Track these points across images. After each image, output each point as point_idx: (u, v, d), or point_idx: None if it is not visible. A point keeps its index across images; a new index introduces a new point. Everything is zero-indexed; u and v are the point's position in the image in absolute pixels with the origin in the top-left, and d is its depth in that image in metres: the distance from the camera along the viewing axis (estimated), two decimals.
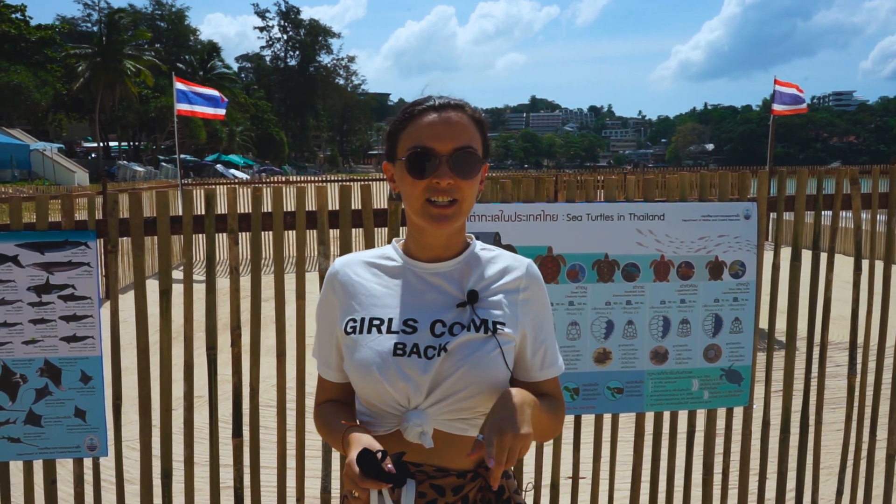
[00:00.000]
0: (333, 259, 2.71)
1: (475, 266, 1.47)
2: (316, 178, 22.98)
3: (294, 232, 2.65)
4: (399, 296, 1.44)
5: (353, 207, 2.65)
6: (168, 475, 2.68)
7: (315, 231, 2.64)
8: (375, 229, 2.67)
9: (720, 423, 2.95)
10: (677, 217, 2.77)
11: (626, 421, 2.98)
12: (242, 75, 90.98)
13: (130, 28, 51.48)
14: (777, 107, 14.78)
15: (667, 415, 2.92)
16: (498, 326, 1.41)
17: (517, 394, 1.33)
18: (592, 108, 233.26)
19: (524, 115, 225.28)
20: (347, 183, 2.86)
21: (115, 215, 2.54)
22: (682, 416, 2.94)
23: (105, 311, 2.56)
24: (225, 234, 2.61)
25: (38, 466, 2.68)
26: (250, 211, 2.60)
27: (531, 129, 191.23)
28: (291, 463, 2.75)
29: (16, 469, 2.82)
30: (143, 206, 2.58)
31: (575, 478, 2.92)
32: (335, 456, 2.75)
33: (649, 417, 2.89)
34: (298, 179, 20.69)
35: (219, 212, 2.61)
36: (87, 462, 2.67)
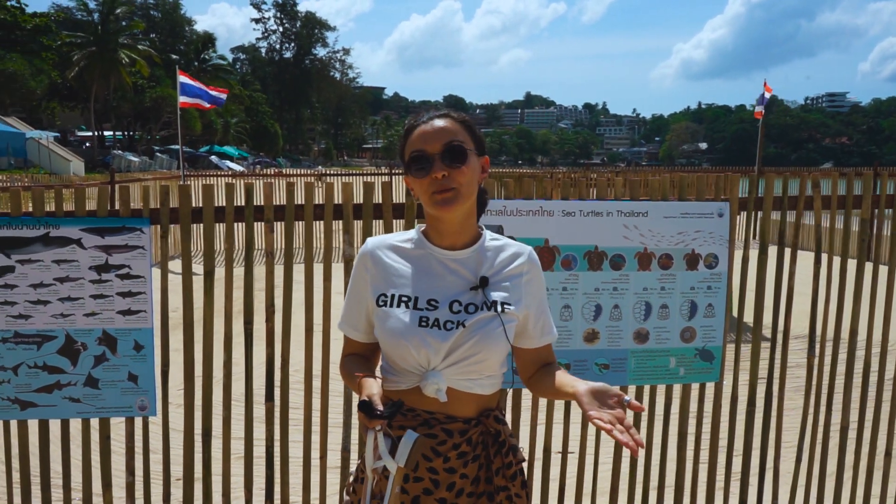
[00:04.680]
0: (357, 248, 3.07)
1: (486, 254, 1.79)
2: (311, 172, 23.33)
3: (322, 222, 3.01)
4: (423, 277, 1.76)
5: (374, 201, 3.01)
6: (208, 433, 3.05)
7: (341, 222, 3.00)
8: (394, 221, 3.03)
9: (693, 397, 3.33)
10: (659, 214, 3.14)
11: None
12: (237, 66, 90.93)
13: (126, 18, 51.42)
14: (759, 109, 15.25)
15: (647, 389, 3.30)
16: (505, 307, 1.74)
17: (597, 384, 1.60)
18: (587, 106, 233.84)
19: (519, 111, 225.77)
20: (370, 180, 3.22)
21: (167, 205, 2.90)
22: (661, 390, 3.33)
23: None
24: (262, 224, 2.97)
25: (94, 424, 3.03)
26: (285, 203, 2.96)
27: (526, 125, 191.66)
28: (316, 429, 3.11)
29: (75, 425, 3.16)
30: (190, 198, 2.93)
31: (565, 452, 3.30)
32: (354, 420, 3.12)
33: (631, 389, 3.26)
34: (297, 173, 21.01)
35: (256, 203, 2.97)
36: (138, 421, 3.02)
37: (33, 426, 3.01)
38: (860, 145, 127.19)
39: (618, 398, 1.53)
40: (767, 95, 14.94)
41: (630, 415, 3.31)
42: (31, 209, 2.84)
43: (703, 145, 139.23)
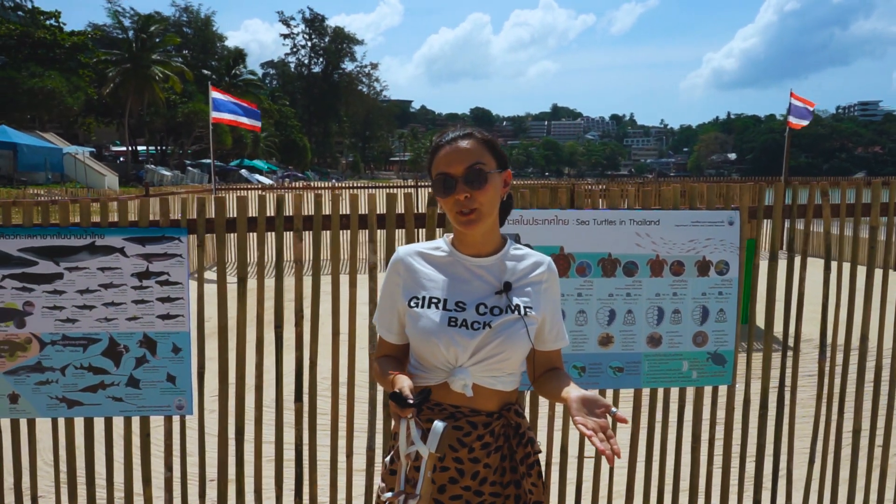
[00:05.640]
0: (380, 255, 3.24)
1: (510, 262, 1.95)
2: (337, 185, 23.71)
3: (348, 231, 3.18)
4: (451, 282, 1.92)
5: (397, 212, 3.18)
6: (241, 432, 3.22)
7: (366, 231, 3.17)
8: (415, 230, 3.19)
9: (706, 400, 3.43)
10: (671, 223, 3.26)
11: (625, 395, 3.47)
12: (267, 81, 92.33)
13: (159, 34, 52.61)
14: (792, 119, 15.20)
15: (660, 391, 3.41)
16: (527, 310, 1.90)
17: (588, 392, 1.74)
18: (614, 117, 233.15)
19: (546, 123, 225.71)
20: (393, 191, 3.38)
21: (203, 216, 3.09)
22: (674, 395, 3.43)
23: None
24: (291, 233, 3.14)
25: (135, 427, 3.21)
26: (312, 213, 3.14)
27: (552, 137, 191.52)
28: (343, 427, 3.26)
29: (117, 429, 3.34)
30: (225, 208, 3.12)
31: (581, 455, 3.41)
32: (379, 418, 3.27)
33: (645, 393, 3.37)
34: (325, 186, 21.39)
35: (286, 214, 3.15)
36: (175, 421, 3.21)
37: (79, 428, 3.21)
38: (894, 154, 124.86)
39: (605, 409, 1.66)
40: (796, 103, 14.86)
41: (644, 418, 3.42)
42: (78, 220, 3.05)
43: (732, 156, 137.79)
